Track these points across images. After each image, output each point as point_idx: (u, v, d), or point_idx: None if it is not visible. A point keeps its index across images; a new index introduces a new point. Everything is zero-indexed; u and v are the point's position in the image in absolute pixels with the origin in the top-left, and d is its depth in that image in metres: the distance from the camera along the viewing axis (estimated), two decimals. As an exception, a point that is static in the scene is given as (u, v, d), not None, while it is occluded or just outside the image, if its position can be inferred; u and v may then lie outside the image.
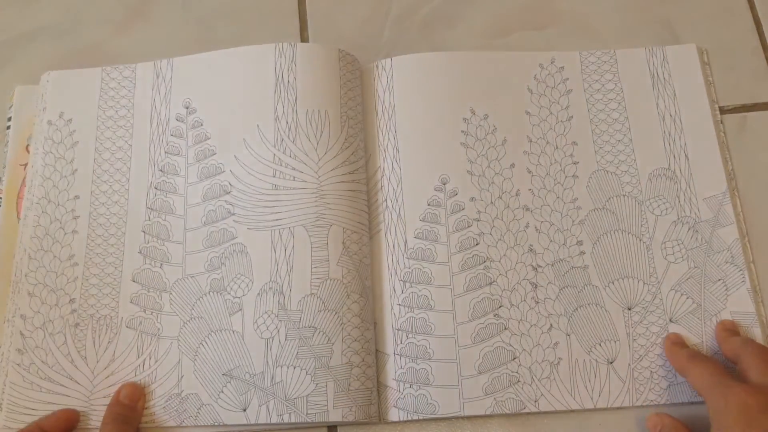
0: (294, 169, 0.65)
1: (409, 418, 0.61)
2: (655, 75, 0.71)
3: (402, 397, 0.62)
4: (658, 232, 0.66)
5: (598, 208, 0.66)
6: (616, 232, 0.65)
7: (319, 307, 0.62)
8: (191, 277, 0.64)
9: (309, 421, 0.59)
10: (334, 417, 0.59)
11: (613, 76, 0.71)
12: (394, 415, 0.61)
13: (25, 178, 0.69)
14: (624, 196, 0.66)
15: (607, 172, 0.67)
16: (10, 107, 0.72)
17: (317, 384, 0.60)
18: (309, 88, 0.67)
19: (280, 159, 0.65)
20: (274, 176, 0.65)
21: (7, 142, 0.70)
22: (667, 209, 0.66)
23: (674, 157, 0.68)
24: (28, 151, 0.70)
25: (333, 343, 0.61)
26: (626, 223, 0.66)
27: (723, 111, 0.71)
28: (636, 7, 0.76)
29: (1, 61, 0.75)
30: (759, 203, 0.68)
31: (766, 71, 0.74)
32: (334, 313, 0.62)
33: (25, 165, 0.69)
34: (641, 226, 0.66)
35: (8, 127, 0.71)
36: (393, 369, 0.62)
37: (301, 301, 0.62)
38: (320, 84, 0.68)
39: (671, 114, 0.69)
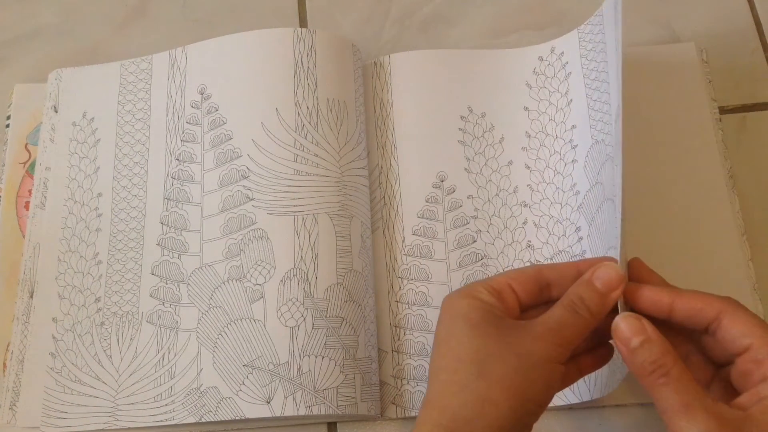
0: (316, 155, 0.64)
1: (407, 415, 0.61)
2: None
3: (399, 393, 0.61)
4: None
5: (592, 186, 0.63)
6: (604, 202, 0.61)
7: (345, 297, 0.61)
8: (208, 266, 0.63)
9: (339, 413, 0.58)
10: (362, 410, 0.59)
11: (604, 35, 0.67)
12: (391, 411, 0.61)
13: (24, 176, 0.69)
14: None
15: (597, 141, 0.63)
16: (9, 105, 0.72)
17: (346, 375, 0.59)
18: (328, 77, 0.66)
19: (301, 144, 0.64)
20: (296, 161, 0.63)
21: (7, 140, 0.71)
22: None
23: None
24: (28, 150, 0.70)
25: (358, 336, 0.60)
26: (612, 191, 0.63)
27: (723, 111, 0.71)
28: (636, 7, 0.76)
29: (1, 61, 0.75)
30: (758, 202, 0.68)
31: (766, 71, 0.74)
32: (357, 305, 0.61)
33: (25, 163, 0.69)
34: None
35: (7, 126, 0.71)
36: (390, 366, 0.62)
37: (327, 289, 0.60)
38: (339, 74, 0.67)
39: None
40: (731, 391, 0.47)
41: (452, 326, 0.48)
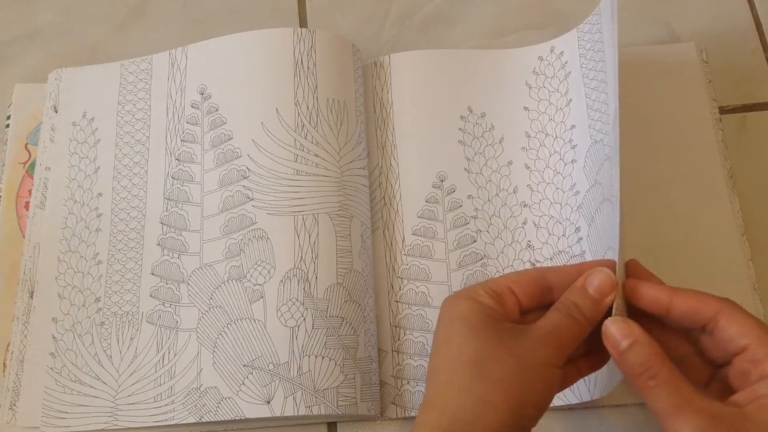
0: (316, 155, 0.64)
1: (407, 415, 0.61)
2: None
3: (399, 393, 0.61)
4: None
5: (591, 186, 0.63)
6: (603, 203, 0.60)
7: (345, 297, 0.61)
8: (208, 266, 0.63)
9: (339, 413, 0.58)
10: (362, 410, 0.59)
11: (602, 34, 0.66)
12: (391, 411, 0.61)
13: (24, 176, 0.69)
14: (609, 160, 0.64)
15: (596, 141, 0.63)
16: (9, 105, 0.72)
17: (346, 375, 0.59)
18: (328, 77, 0.66)
19: (301, 144, 0.64)
20: (296, 161, 0.63)
21: (7, 140, 0.71)
22: None
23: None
24: (28, 150, 0.70)
25: (358, 336, 0.60)
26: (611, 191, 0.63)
27: (723, 111, 0.71)
28: (636, 7, 0.76)
29: (1, 61, 0.75)
30: (758, 202, 0.68)
31: (766, 71, 0.74)
32: (357, 305, 0.61)
33: (25, 163, 0.69)
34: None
35: (7, 126, 0.71)
36: (390, 366, 0.62)
37: (327, 289, 0.60)
38: (339, 74, 0.67)
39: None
40: (730, 391, 0.47)
41: (451, 328, 0.48)
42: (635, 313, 0.49)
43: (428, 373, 0.48)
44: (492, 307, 0.48)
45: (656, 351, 0.45)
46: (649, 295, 0.49)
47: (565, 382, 0.51)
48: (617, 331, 0.46)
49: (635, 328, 0.46)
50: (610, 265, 0.50)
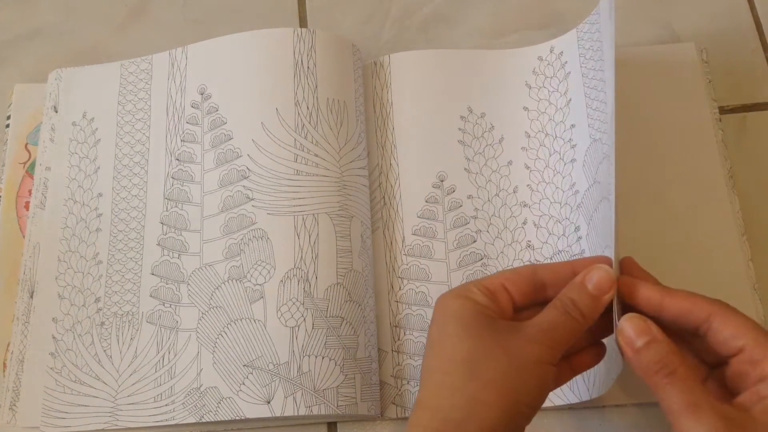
0: (316, 155, 0.64)
1: (407, 415, 0.61)
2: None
3: (400, 393, 0.61)
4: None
5: (590, 185, 0.62)
6: (601, 201, 0.60)
7: (345, 297, 0.61)
8: (209, 266, 0.63)
9: (339, 413, 0.58)
10: (362, 410, 0.59)
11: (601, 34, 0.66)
12: (391, 411, 0.61)
13: (24, 176, 0.69)
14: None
15: (595, 140, 0.63)
16: (9, 105, 0.72)
17: (346, 375, 0.59)
18: (328, 77, 0.66)
19: (301, 144, 0.64)
20: (296, 161, 0.63)
21: (7, 140, 0.71)
22: None
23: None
24: (28, 150, 0.70)
25: (358, 336, 0.60)
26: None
27: (723, 111, 0.71)
28: (636, 7, 0.76)
29: (1, 61, 0.75)
30: (758, 202, 0.68)
31: (766, 71, 0.74)
32: (357, 305, 0.61)
33: (25, 163, 0.69)
34: None
35: (7, 126, 0.71)
36: (390, 366, 0.62)
37: (327, 289, 0.60)
38: (339, 74, 0.67)
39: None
40: (726, 392, 0.47)
41: (445, 326, 0.48)
42: (629, 311, 0.49)
43: (422, 373, 0.48)
44: (486, 305, 0.48)
45: (673, 349, 0.45)
46: (642, 295, 0.49)
47: (559, 380, 0.51)
48: (633, 329, 0.46)
49: (652, 326, 0.46)
50: (604, 261, 0.50)
